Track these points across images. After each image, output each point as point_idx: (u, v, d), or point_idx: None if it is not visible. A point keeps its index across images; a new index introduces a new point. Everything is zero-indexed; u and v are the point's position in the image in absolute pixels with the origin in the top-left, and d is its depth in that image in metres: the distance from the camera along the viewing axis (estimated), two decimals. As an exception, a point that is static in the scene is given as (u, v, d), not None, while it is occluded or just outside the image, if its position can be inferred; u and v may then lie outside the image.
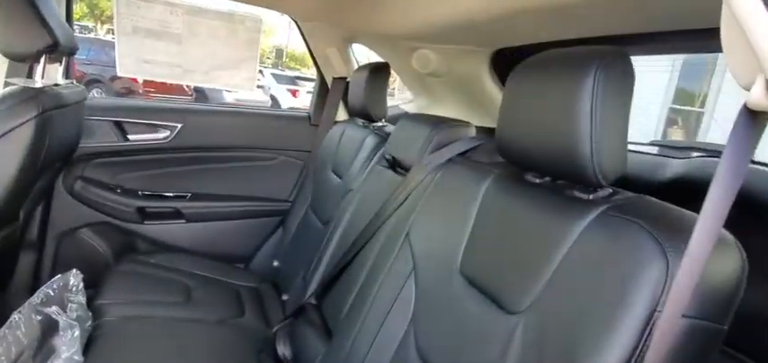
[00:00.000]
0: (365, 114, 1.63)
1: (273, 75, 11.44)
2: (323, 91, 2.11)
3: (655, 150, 1.37)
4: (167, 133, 1.86)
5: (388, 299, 0.98)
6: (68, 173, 1.75)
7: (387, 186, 1.24)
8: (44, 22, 1.13)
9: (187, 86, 8.95)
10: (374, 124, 1.67)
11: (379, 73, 1.61)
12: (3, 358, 0.83)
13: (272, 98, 10.17)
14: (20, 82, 1.21)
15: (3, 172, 1.10)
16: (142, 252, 1.82)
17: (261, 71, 11.35)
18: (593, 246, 0.62)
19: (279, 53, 17.41)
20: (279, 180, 2.05)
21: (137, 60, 1.79)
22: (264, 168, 2.04)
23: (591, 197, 0.70)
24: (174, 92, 9.05)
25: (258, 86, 10.26)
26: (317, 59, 2.05)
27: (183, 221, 1.92)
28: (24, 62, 1.24)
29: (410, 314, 0.92)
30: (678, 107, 7.93)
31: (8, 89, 1.14)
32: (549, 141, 0.70)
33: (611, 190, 0.70)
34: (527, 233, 0.74)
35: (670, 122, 8.00)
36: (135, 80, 8.82)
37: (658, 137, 7.46)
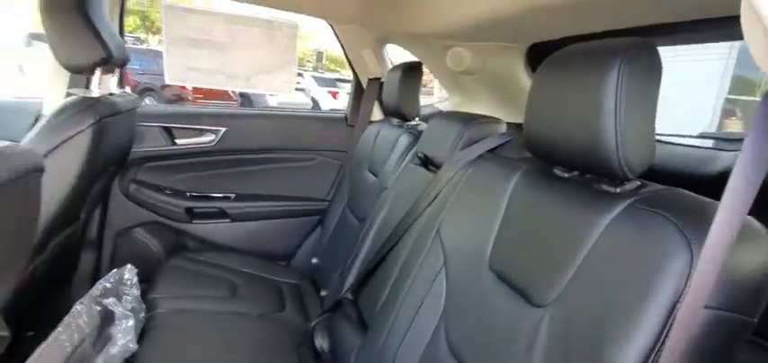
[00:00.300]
0: (399, 113, 1.66)
1: (314, 77, 11.65)
2: (358, 92, 2.16)
3: (708, 143, 1.31)
4: (212, 137, 1.96)
5: (420, 294, 1.00)
6: (123, 177, 1.87)
7: (419, 183, 1.26)
8: (98, 36, 1.22)
9: (232, 92, 9.26)
10: (408, 123, 1.69)
11: (411, 72, 1.63)
12: (67, 343, 0.91)
13: (313, 100, 10.36)
14: (79, 92, 1.31)
15: (65, 176, 1.19)
16: (191, 249, 1.92)
17: (301, 74, 11.59)
18: (619, 239, 0.62)
19: (319, 56, 17.73)
20: (317, 179, 2.11)
21: (183, 68, 1.90)
22: (303, 168, 2.11)
23: (618, 190, 0.69)
24: (220, 98, 9.39)
25: (299, 89, 10.48)
26: (352, 61, 2.09)
27: (228, 220, 2.01)
28: (82, 74, 1.34)
29: (441, 309, 0.94)
30: (735, 97, 7.46)
31: (69, 99, 1.24)
32: (575, 135, 0.70)
33: (639, 183, 0.70)
34: (554, 227, 0.74)
35: (727, 113, 7.54)
36: (184, 87, 9.21)
37: (713, 130, 7.05)
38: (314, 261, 1.85)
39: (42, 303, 1.36)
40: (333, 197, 2.00)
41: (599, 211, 0.67)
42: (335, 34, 2.00)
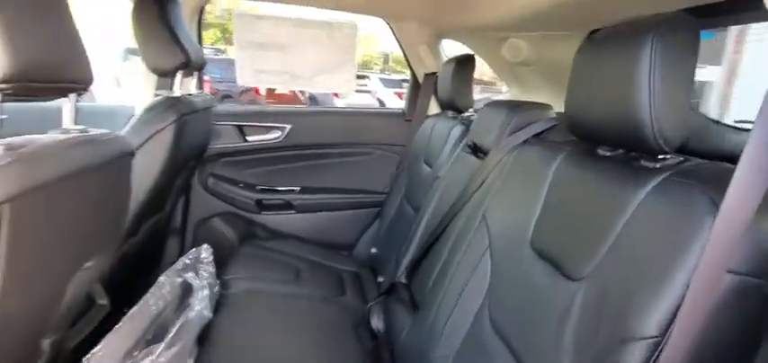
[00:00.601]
0: (453, 106, 1.69)
1: (381, 79, 11.83)
2: (415, 87, 2.21)
3: None
4: (279, 133, 2.10)
5: (466, 275, 1.03)
6: (202, 171, 2.06)
7: (469, 171, 1.29)
8: (178, 43, 1.38)
9: (301, 93, 9.64)
10: (462, 115, 1.72)
11: (463, 65, 1.65)
12: (153, 308, 1.06)
13: (380, 101, 10.52)
14: (163, 93, 1.48)
15: (151, 168, 1.36)
16: (261, 238, 2.08)
17: (367, 76, 11.79)
18: (652, 211, 0.63)
19: (385, 58, 17.96)
20: (376, 173, 2.19)
21: (252, 70, 2.06)
22: (363, 163, 2.20)
23: (658, 165, 0.69)
24: (291, 101, 9.82)
25: (365, 91, 10.68)
26: (409, 57, 2.15)
27: (294, 212, 2.14)
28: (166, 77, 1.52)
29: (485, 289, 0.97)
30: None
31: (155, 99, 1.41)
32: (612, 113, 0.70)
33: (682, 159, 0.69)
34: (593, 203, 0.75)
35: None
36: (258, 93, 9.77)
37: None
38: (373, 250, 1.92)
39: (134, 281, 1.55)
40: (391, 189, 2.07)
41: (636, 185, 0.67)
42: (393, 31, 2.06)
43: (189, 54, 1.43)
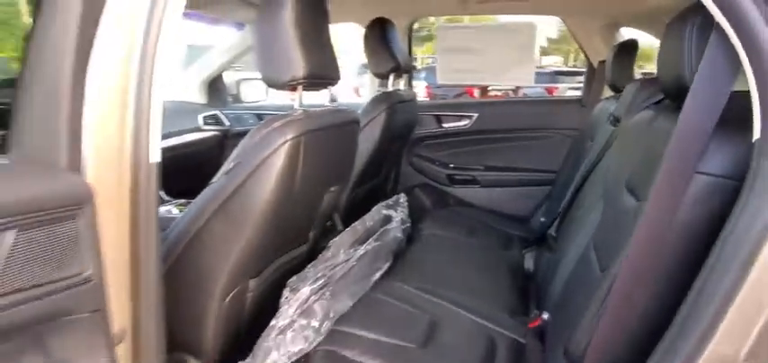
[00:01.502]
0: (615, 87, 1.86)
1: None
2: (590, 75, 2.37)
3: None
4: (467, 121, 2.56)
5: (586, 217, 1.30)
6: (409, 151, 2.66)
7: (608, 139, 1.51)
8: (391, 52, 1.97)
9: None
10: (620, 93, 1.87)
11: (625, 50, 1.81)
12: (359, 227, 1.62)
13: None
14: (380, 90, 2.10)
15: (370, 141, 1.96)
16: (450, 204, 2.57)
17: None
18: None
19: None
20: (551, 153, 2.44)
21: (450, 70, 2.57)
22: (540, 145, 2.49)
23: None
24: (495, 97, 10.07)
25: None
26: (585, 48, 2.34)
27: (479, 186, 2.57)
28: (383, 78, 2.13)
29: (596, 223, 1.23)
30: None
31: (375, 95, 2.03)
32: None
33: None
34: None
35: None
36: (471, 93, 10.38)
37: None
38: (542, 219, 2.20)
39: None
40: (561, 168, 2.30)
41: None
42: (567, 26, 2.29)
43: (399, 61, 2.01)
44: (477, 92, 9.35)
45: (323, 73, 1.20)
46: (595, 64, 2.34)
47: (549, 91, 10.45)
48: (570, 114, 2.44)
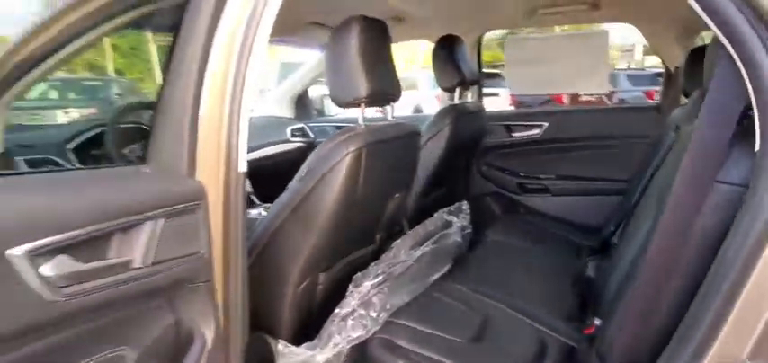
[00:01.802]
0: (687, 94, 1.81)
1: (628, 76, 10.19)
2: (668, 81, 2.28)
3: None
4: (538, 130, 2.58)
5: (640, 228, 1.32)
6: (479, 160, 2.73)
7: (669, 146, 1.50)
8: (457, 67, 2.07)
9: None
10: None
11: (695, 55, 1.75)
12: (421, 230, 1.73)
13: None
14: (448, 102, 2.22)
15: (435, 153, 2.07)
16: (520, 213, 2.60)
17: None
18: None
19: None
20: (624, 162, 2.37)
21: (521, 79, 2.62)
22: (613, 154, 2.43)
23: None
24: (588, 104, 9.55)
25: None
26: (662, 55, 2.26)
27: (550, 195, 2.57)
28: (450, 92, 2.24)
29: (647, 236, 1.25)
30: None
31: (441, 108, 2.15)
32: None
33: None
34: None
35: None
36: (560, 100, 9.96)
37: None
38: (611, 228, 2.16)
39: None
40: (633, 176, 2.24)
41: None
42: (644, 36, 2.24)
43: (465, 74, 2.11)
44: (566, 98, 9.00)
45: (383, 91, 1.35)
46: (672, 69, 2.26)
47: (649, 95, 9.74)
48: (647, 121, 2.36)
